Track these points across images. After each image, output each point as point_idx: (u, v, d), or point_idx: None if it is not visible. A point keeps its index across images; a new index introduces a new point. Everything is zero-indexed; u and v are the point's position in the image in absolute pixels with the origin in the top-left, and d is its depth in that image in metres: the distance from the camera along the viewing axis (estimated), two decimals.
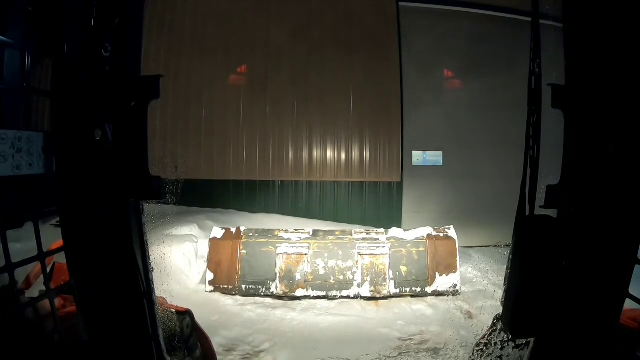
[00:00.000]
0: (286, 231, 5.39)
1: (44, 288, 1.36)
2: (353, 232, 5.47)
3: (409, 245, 5.19)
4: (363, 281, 4.97)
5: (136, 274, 1.35)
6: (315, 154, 7.92)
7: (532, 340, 1.67)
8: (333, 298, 4.94)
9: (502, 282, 1.90)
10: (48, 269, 1.51)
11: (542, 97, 1.33)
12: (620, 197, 1.38)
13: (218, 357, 2.97)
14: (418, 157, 8.06)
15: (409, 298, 4.98)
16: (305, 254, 5.03)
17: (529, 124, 1.33)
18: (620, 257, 1.44)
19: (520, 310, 1.43)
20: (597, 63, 1.38)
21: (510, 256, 1.47)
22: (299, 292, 4.93)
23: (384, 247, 5.11)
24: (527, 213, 1.37)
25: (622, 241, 1.42)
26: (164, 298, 2.33)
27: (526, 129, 1.33)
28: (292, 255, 5.03)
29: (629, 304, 1.50)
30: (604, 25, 1.38)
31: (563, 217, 1.48)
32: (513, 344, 2.03)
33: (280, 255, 5.01)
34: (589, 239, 1.45)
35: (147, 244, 1.43)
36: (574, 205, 1.44)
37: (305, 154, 7.91)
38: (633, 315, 1.82)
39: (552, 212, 1.46)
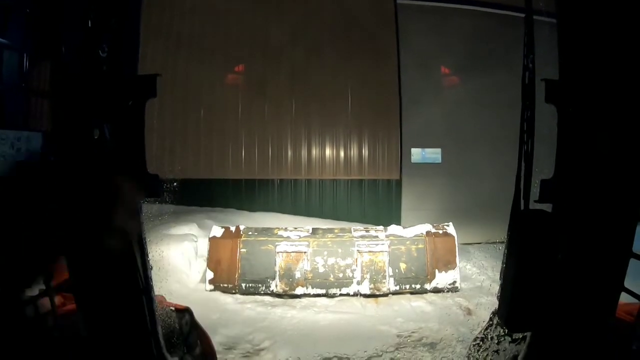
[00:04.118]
0: (285, 229, 5.40)
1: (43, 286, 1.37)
2: (352, 230, 5.47)
3: (408, 242, 5.20)
4: (362, 279, 4.98)
5: (135, 271, 1.36)
6: (314, 152, 7.93)
7: (528, 334, 1.69)
8: (333, 296, 4.95)
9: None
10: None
11: (536, 92, 1.33)
12: (614, 191, 1.39)
13: (218, 355, 2.98)
14: (417, 154, 8.05)
15: (409, 295, 4.99)
16: (305, 252, 5.04)
17: (523, 118, 1.34)
18: (615, 250, 1.45)
19: (515, 304, 1.44)
20: (591, 58, 1.39)
21: (506, 251, 1.48)
22: (299, 290, 4.94)
23: (383, 244, 5.11)
24: (522, 207, 1.38)
25: (617, 235, 1.43)
26: (163, 296, 2.34)
27: (520, 123, 1.35)
28: (292, 254, 5.04)
29: (624, 297, 1.51)
30: (598, 21, 1.39)
31: (558, 211, 1.49)
32: (509, 339, 2.04)
33: (280, 254, 5.02)
34: (584, 233, 1.46)
35: (146, 241, 1.44)
36: (569, 199, 1.45)
37: (304, 152, 7.91)
38: (629, 309, 1.83)
39: (547, 207, 1.47)
